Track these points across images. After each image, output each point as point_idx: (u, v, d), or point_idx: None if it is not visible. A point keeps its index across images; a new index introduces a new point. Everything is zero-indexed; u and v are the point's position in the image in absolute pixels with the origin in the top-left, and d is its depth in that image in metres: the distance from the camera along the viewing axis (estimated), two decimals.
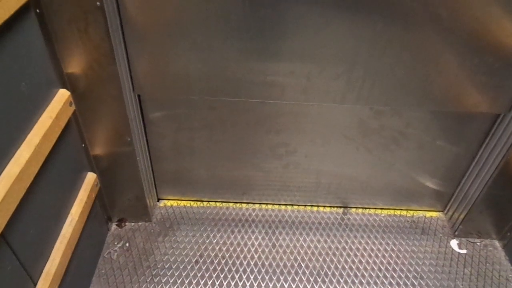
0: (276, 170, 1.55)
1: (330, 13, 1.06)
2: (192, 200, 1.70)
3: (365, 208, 1.71)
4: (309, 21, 1.08)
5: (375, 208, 1.71)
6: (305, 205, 1.69)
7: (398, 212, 1.69)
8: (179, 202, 1.68)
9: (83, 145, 1.25)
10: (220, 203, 1.68)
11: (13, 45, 0.86)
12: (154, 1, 1.05)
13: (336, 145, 1.45)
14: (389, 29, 1.09)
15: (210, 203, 1.68)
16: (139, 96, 1.29)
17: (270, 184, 1.61)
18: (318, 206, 1.70)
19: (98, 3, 0.95)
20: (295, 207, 1.69)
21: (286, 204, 1.70)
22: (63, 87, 1.09)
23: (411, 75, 1.20)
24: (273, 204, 1.70)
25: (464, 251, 1.55)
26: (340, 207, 1.71)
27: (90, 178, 1.31)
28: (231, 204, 1.68)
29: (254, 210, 1.66)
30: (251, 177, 1.58)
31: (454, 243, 1.58)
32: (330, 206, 1.70)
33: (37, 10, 0.94)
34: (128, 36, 1.11)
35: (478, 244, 1.59)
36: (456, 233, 1.60)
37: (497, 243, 1.59)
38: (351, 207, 1.71)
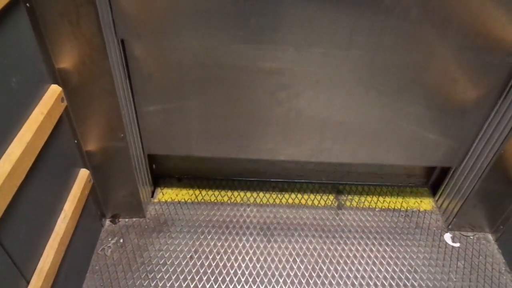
0: (275, 119, 1.38)
1: None
2: (182, 156, 1.56)
3: (368, 171, 1.62)
4: None
5: (379, 168, 1.63)
6: (300, 201, 1.70)
7: (392, 206, 1.70)
8: (173, 197, 1.67)
9: (75, 141, 1.24)
10: (214, 197, 1.68)
11: (3, 40, 0.84)
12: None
13: (343, 87, 1.29)
14: None
15: (205, 198, 1.68)
16: (129, 77, 1.22)
17: (269, 136, 1.44)
18: (313, 192, 1.70)
19: None
20: (290, 201, 1.69)
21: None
22: (54, 83, 1.07)
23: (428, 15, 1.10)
24: (271, 161, 1.57)
25: (457, 245, 1.56)
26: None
27: (83, 174, 1.30)
28: (225, 199, 1.68)
29: (248, 205, 1.66)
30: (247, 127, 1.41)
31: (447, 237, 1.59)
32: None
33: (27, 4, 0.92)
34: (120, 28, 1.10)
35: (471, 237, 1.60)
36: (450, 226, 1.61)
37: (490, 236, 1.61)
38: (355, 164, 1.62)
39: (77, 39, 1.01)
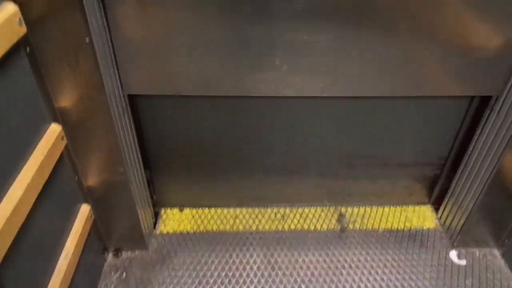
0: (281, 30, 1.12)
1: None
2: (170, 96, 1.31)
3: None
4: None
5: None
6: (302, 226, 1.69)
7: (395, 227, 1.69)
8: (175, 228, 1.67)
9: (76, 177, 1.25)
10: (216, 226, 1.67)
11: (4, 84, 0.87)
12: (146, 31, 1.09)
13: None
14: None
15: (207, 227, 1.67)
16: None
17: (273, 57, 1.17)
18: (315, 216, 1.70)
19: (87, 39, 0.98)
20: (292, 226, 1.68)
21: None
22: (54, 121, 1.10)
23: None
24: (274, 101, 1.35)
25: (463, 262, 1.55)
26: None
27: (84, 210, 1.31)
28: (227, 227, 1.67)
29: (251, 233, 1.65)
30: (246, 51, 1.15)
31: (453, 254, 1.58)
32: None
33: (27, 49, 0.96)
34: (121, 62, 1.14)
35: (477, 254, 1.58)
36: (455, 244, 1.60)
37: (496, 251, 1.59)
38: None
39: (76, 79, 1.05)
